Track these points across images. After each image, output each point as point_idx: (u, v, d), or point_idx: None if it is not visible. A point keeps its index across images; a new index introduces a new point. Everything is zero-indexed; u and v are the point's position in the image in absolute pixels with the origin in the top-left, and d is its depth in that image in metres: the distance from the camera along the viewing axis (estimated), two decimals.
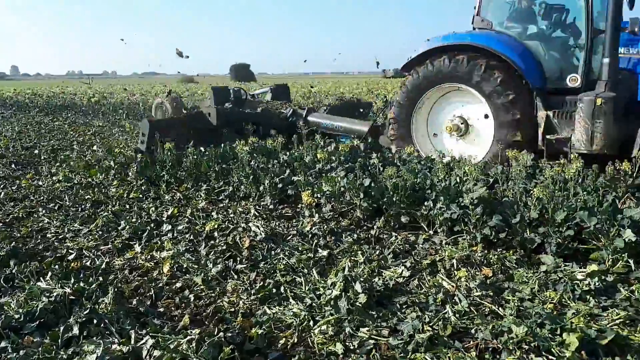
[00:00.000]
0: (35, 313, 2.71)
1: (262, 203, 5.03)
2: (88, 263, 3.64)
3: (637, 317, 2.62)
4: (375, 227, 4.20)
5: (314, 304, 2.83)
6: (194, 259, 3.61)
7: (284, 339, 2.56)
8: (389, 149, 6.43)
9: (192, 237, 4.09)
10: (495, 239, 3.63)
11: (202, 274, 3.29)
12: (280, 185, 5.08)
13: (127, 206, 5.09)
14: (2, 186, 6.14)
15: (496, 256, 3.41)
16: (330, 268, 3.38)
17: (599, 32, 5.21)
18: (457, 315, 2.66)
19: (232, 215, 4.68)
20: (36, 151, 8.76)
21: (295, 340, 2.54)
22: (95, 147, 8.85)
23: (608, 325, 2.50)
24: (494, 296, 2.90)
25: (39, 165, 7.60)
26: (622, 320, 2.56)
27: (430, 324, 2.57)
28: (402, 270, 3.29)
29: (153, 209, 4.93)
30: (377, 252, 3.67)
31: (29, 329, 2.62)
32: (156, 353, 2.29)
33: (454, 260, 3.39)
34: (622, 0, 5.14)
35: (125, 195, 5.47)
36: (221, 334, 2.44)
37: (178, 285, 3.24)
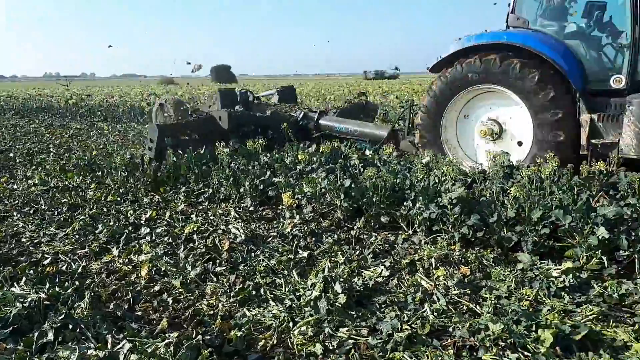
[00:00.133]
0: (9, 319, 2.65)
1: (242, 205, 5.00)
2: (64, 267, 3.59)
3: (609, 312, 2.69)
4: (355, 227, 4.21)
5: (293, 305, 2.83)
6: (172, 262, 3.58)
7: (263, 340, 2.55)
8: (412, 154, 6.09)
9: (170, 240, 4.05)
10: (473, 238, 3.68)
11: (181, 277, 3.27)
12: (260, 187, 5.06)
13: (105, 209, 5.02)
14: None
15: (474, 255, 3.46)
16: (311, 269, 3.38)
17: None
18: (435, 313, 2.69)
19: (211, 218, 4.65)
20: (11, 154, 8.58)
21: (275, 341, 2.54)
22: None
23: (582, 321, 2.55)
24: (471, 294, 2.94)
25: (14, 168, 7.45)
26: (595, 315, 2.62)
27: (409, 323, 2.59)
28: (382, 270, 3.31)
29: (131, 212, 4.87)
30: (357, 252, 3.68)
31: (3, 335, 2.56)
32: (133, 357, 2.27)
33: (433, 260, 3.42)
34: None
35: (102, 199, 5.39)
36: (200, 336, 2.43)
37: (156, 288, 3.21)
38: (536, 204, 3.55)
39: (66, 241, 4.16)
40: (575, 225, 3.31)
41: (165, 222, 4.53)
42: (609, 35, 5.41)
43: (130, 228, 4.37)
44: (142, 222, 4.56)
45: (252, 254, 3.69)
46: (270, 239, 4.04)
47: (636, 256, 3.10)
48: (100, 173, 6.36)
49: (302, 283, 3.12)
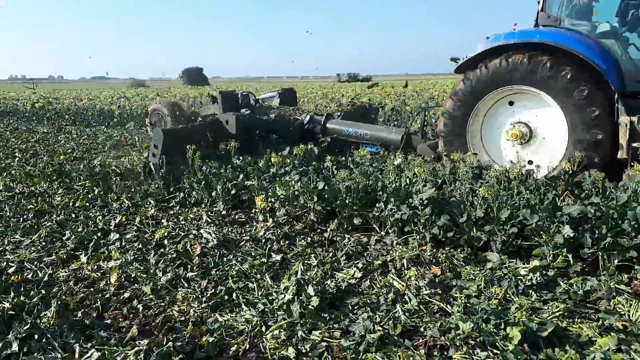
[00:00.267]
0: None
1: (214, 209, 4.96)
2: (30, 276, 3.48)
3: (575, 309, 2.76)
4: (328, 229, 4.22)
5: (266, 309, 2.82)
6: (142, 268, 3.52)
7: (235, 345, 2.53)
8: (431, 159, 5.81)
9: (141, 246, 3.98)
10: (443, 238, 3.73)
11: (151, 283, 3.21)
12: (233, 191, 5.02)
13: (73, 215, 4.90)
14: None
15: (444, 255, 3.51)
16: (284, 272, 3.38)
17: None
18: (407, 314, 2.71)
19: (183, 222, 4.59)
20: None
21: (247, 346, 2.53)
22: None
23: (548, 318, 2.61)
24: (442, 294, 2.98)
25: None
26: (561, 312, 2.68)
27: (381, 324, 2.61)
28: (355, 272, 3.32)
29: (100, 217, 4.76)
30: (330, 255, 3.69)
31: None
32: None
33: (404, 260, 3.45)
34: None
35: (70, 204, 5.26)
36: (170, 343, 2.40)
37: (126, 295, 3.15)
38: (504, 204, 3.63)
39: (32, 249, 4.05)
40: (542, 224, 3.39)
41: (135, 228, 4.45)
42: None
43: (99, 234, 4.27)
44: (111, 227, 4.46)
45: (225, 259, 3.66)
46: (243, 243, 4.01)
47: (600, 254, 3.20)
48: (67, 180, 6.21)
49: (275, 287, 3.11)
